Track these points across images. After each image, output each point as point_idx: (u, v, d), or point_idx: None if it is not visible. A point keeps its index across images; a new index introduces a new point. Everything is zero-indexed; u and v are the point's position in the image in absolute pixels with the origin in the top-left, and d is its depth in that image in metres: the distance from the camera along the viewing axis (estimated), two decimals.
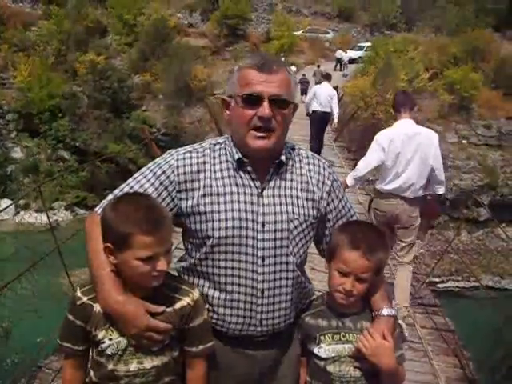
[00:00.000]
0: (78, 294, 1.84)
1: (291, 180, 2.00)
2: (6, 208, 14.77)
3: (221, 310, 1.95)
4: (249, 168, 1.94)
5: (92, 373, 1.88)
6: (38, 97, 23.83)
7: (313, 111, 11.80)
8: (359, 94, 22.77)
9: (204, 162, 1.96)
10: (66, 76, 26.88)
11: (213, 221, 1.89)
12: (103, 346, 1.81)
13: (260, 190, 1.93)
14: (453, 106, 26.00)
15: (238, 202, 1.91)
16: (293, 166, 2.03)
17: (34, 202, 21.34)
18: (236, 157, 1.93)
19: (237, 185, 1.93)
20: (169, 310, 1.83)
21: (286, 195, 1.96)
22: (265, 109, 1.82)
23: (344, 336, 2.01)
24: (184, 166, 1.94)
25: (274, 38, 38.01)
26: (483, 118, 25.90)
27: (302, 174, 2.03)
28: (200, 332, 1.91)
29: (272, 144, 1.88)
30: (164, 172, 1.94)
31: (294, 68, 30.20)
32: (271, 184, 1.96)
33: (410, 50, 28.78)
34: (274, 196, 1.95)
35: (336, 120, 12.18)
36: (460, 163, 23.79)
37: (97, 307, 1.80)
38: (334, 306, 2.06)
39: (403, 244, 5.04)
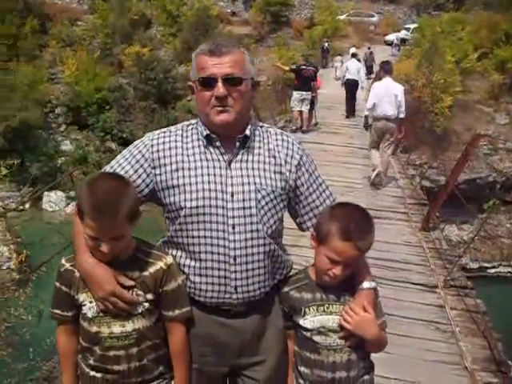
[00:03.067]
0: (63, 261, 2.01)
1: (258, 154, 2.12)
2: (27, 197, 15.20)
3: (196, 279, 2.07)
4: (217, 143, 2.07)
5: (81, 338, 2.00)
6: (85, 90, 24.46)
7: (346, 79, 16.66)
8: (404, 78, 22.34)
9: (176, 141, 2.13)
10: (112, 69, 27.41)
11: (185, 192, 2.03)
12: (84, 308, 1.94)
13: (228, 163, 2.07)
14: (503, 85, 25.18)
15: (208, 174, 2.04)
16: (260, 141, 2.16)
17: None
18: (204, 133, 2.08)
19: (206, 159, 2.07)
20: (145, 273, 1.97)
21: (253, 168, 2.09)
22: (219, 88, 1.97)
23: (328, 308, 2.08)
24: (158, 144, 2.12)
25: (317, 23, 37.62)
26: None
27: (269, 149, 2.15)
28: (174, 296, 2.03)
29: (232, 118, 2.01)
30: (140, 151, 2.12)
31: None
32: (238, 157, 2.09)
33: (458, 29, 28.01)
34: (241, 168, 2.07)
35: (363, 84, 16.70)
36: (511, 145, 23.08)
37: (77, 272, 1.96)
38: (319, 281, 2.13)
39: (388, 142, 9.32)
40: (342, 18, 40.16)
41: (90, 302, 1.93)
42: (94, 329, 1.94)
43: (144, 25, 32.09)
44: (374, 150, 9.39)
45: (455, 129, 21.00)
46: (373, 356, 2.18)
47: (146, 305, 1.97)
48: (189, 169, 2.05)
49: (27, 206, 21.67)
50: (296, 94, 13.41)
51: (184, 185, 2.03)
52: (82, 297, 1.94)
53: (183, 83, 27.74)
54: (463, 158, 6.95)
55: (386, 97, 8.83)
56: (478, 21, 29.86)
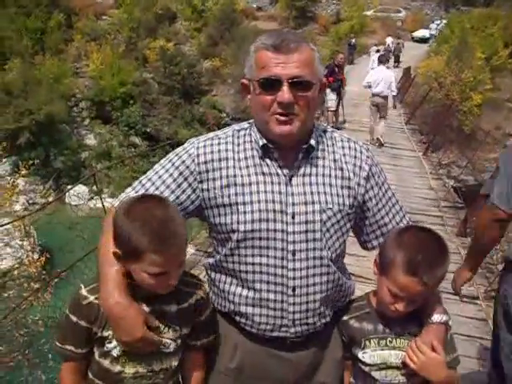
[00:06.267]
0: (84, 292, 1.69)
1: (323, 166, 1.81)
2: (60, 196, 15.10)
3: (249, 310, 1.80)
4: (275, 155, 1.76)
5: (91, 375, 1.75)
6: (109, 84, 24.44)
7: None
8: (432, 75, 21.94)
9: (226, 150, 1.80)
10: (137, 63, 27.38)
11: (238, 213, 1.73)
12: (109, 346, 1.68)
13: (288, 178, 1.76)
14: None
15: (265, 192, 1.74)
16: (324, 150, 1.84)
17: (107, 188, 21.86)
18: (261, 143, 1.76)
19: (263, 173, 1.76)
20: (184, 305, 1.73)
21: (317, 183, 1.78)
22: (284, 93, 1.64)
23: (391, 342, 1.85)
24: (205, 154, 1.80)
25: (343, 19, 37.23)
26: None
27: (335, 160, 1.83)
28: (207, 324, 1.83)
29: (296, 129, 1.69)
30: (183, 162, 1.81)
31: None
32: (301, 171, 1.78)
33: (489, 25, 27.42)
34: (304, 184, 1.77)
35: None
36: None
37: None
38: (380, 309, 1.88)
39: (383, 114, 12.08)
40: (368, 13, 39.71)
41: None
42: (118, 368, 1.69)
43: (169, 19, 32.00)
44: (371, 120, 12.50)
45: (484, 128, 20.51)
46: None
47: (179, 341, 1.74)
48: (242, 185, 1.75)
49: (50, 198, 21.75)
50: None
51: (237, 204, 1.74)
52: (109, 334, 1.68)
53: (208, 78, 27.68)
54: None
55: (380, 79, 11.78)
56: (509, 16, 29.19)
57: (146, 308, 1.68)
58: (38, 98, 21.51)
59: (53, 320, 7.79)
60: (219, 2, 32.06)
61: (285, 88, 1.64)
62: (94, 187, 21.80)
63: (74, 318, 1.68)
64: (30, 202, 20.39)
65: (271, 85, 1.66)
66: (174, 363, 1.75)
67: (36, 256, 10.74)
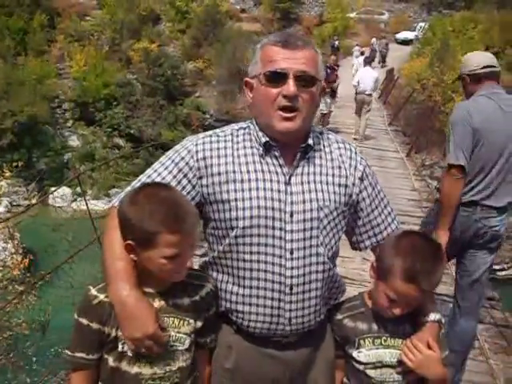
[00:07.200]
0: (93, 292, 1.64)
1: (320, 165, 1.84)
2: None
3: (245, 308, 1.79)
4: (276, 153, 1.78)
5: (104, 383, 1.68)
6: (93, 86, 24.33)
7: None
8: (415, 76, 22.15)
9: (225, 147, 1.82)
10: (120, 64, 27.31)
11: (236, 209, 1.74)
12: (125, 346, 1.61)
13: (288, 177, 1.77)
14: None
15: (264, 189, 1.75)
16: (321, 150, 1.88)
17: (91, 190, 21.74)
18: (263, 140, 1.78)
19: (262, 171, 1.77)
20: (195, 298, 1.72)
21: (315, 181, 1.80)
22: (290, 86, 1.68)
23: (385, 341, 1.87)
24: (203, 150, 1.81)
25: (327, 20, 37.39)
26: None
27: (332, 159, 1.87)
28: (213, 321, 1.81)
29: (298, 126, 1.73)
30: (183, 158, 1.80)
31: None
32: (299, 170, 1.80)
33: (470, 28, 27.72)
34: (302, 183, 1.79)
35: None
36: None
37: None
38: (376, 309, 1.90)
39: (368, 108, 13.38)
40: (352, 15, 39.92)
41: None
42: (135, 370, 1.62)
43: (152, 20, 31.91)
44: (357, 116, 13.71)
45: None
46: None
47: (193, 336, 1.71)
48: (241, 181, 1.75)
49: (34, 200, 21.56)
50: None
51: (236, 200, 1.74)
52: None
53: (192, 80, 27.64)
54: None
55: (366, 78, 13.03)
56: (489, 20, 29.54)
57: (159, 303, 1.66)
58: (20, 100, 21.33)
59: (38, 322, 7.74)
60: (203, 3, 32.04)
61: (290, 81, 1.68)
62: (78, 189, 21.66)
63: (85, 321, 1.62)
64: (14, 204, 20.22)
65: (278, 78, 1.70)
66: (189, 360, 1.71)
67: (20, 258, 10.62)
